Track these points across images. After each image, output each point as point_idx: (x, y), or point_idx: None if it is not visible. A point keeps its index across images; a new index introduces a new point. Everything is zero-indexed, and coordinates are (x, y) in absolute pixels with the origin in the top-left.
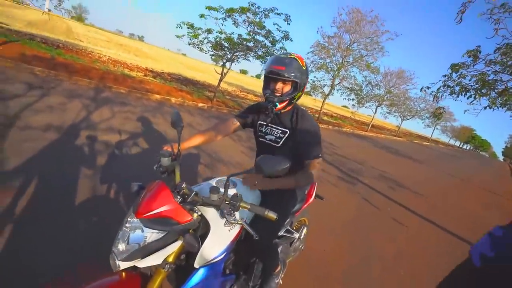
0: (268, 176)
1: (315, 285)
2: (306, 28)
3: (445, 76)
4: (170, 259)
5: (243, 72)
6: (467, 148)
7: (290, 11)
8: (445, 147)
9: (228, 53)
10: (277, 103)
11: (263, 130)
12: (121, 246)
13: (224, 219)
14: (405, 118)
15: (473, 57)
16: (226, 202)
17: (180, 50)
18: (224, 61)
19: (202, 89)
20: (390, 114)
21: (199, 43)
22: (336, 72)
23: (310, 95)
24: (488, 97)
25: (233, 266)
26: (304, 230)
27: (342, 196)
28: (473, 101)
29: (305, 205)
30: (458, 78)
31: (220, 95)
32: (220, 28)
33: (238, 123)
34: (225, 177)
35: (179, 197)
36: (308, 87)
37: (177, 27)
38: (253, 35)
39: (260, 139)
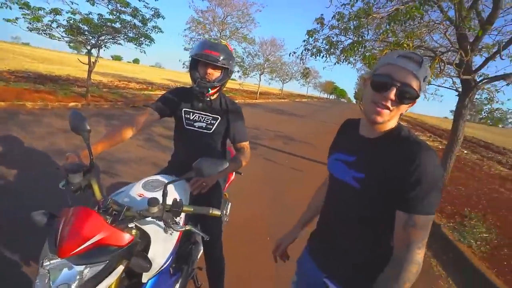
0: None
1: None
2: (178, 3)
3: (304, 41)
4: (113, 287)
5: (117, 58)
6: (332, 98)
7: None
8: (318, 100)
9: (90, 37)
10: (209, 89)
11: (191, 118)
12: None
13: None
14: (285, 82)
15: (320, 23)
16: (167, 210)
17: (17, 38)
18: (89, 48)
19: (67, 86)
20: (273, 79)
21: (45, 28)
22: None
23: None
24: (334, 55)
25: (176, 263)
26: (228, 206)
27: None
28: (326, 59)
29: (228, 184)
30: (314, 42)
31: (95, 89)
32: (72, 8)
33: (156, 114)
34: (153, 178)
35: (108, 216)
36: None
37: (1, 6)
38: (118, 14)
39: (188, 127)
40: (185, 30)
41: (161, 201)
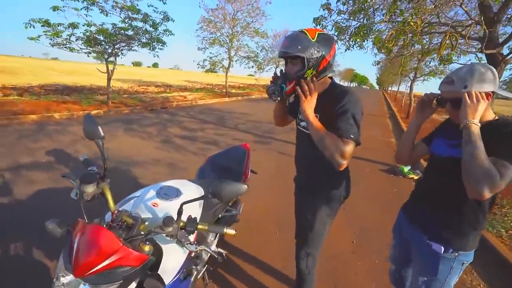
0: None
1: None
2: (187, 5)
3: None
4: None
5: (137, 64)
6: (354, 85)
7: None
8: None
9: (107, 47)
10: (282, 85)
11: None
12: None
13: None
14: None
15: (327, 9)
16: (181, 228)
17: (47, 54)
18: (106, 56)
19: (90, 95)
20: None
21: (65, 42)
22: (230, 44)
23: (213, 72)
24: (343, 41)
25: (186, 267)
26: (241, 206)
27: (263, 156)
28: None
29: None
30: (322, 29)
31: (115, 95)
32: (87, 20)
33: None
34: (167, 184)
35: (121, 231)
36: (207, 64)
37: (26, 27)
38: (130, 21)
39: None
40: (197, 30)
41: (175, 219)
